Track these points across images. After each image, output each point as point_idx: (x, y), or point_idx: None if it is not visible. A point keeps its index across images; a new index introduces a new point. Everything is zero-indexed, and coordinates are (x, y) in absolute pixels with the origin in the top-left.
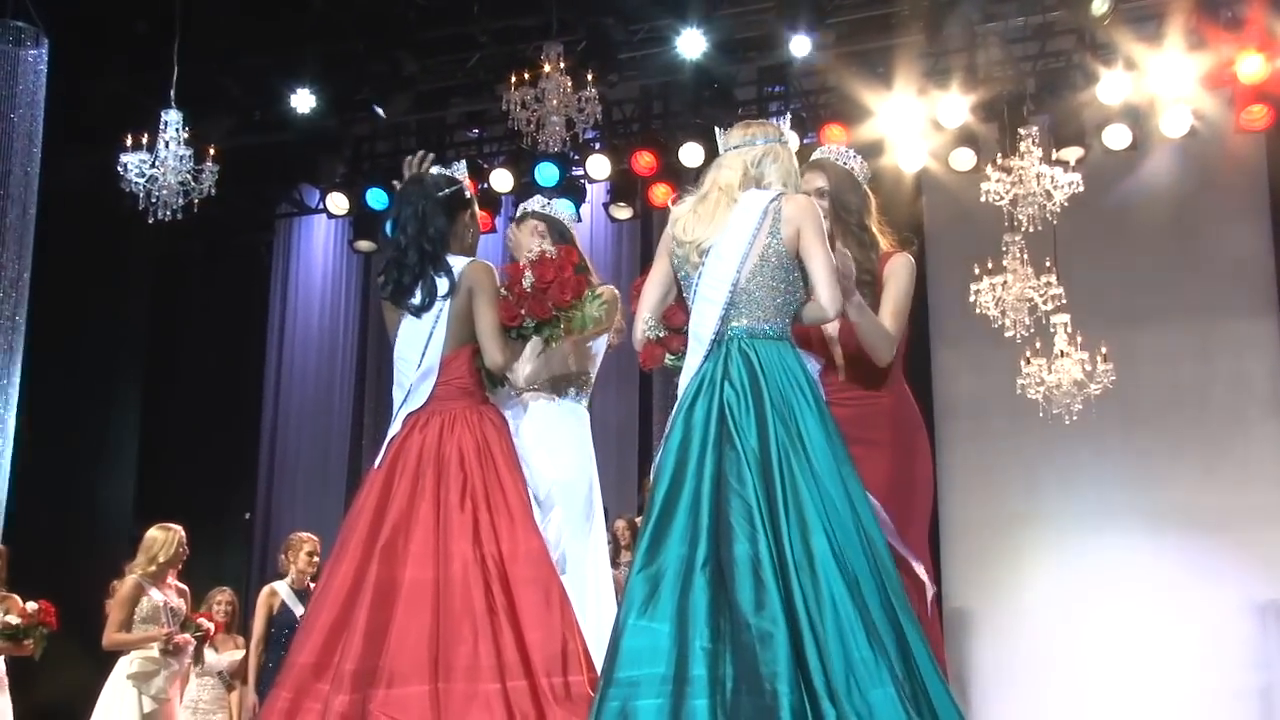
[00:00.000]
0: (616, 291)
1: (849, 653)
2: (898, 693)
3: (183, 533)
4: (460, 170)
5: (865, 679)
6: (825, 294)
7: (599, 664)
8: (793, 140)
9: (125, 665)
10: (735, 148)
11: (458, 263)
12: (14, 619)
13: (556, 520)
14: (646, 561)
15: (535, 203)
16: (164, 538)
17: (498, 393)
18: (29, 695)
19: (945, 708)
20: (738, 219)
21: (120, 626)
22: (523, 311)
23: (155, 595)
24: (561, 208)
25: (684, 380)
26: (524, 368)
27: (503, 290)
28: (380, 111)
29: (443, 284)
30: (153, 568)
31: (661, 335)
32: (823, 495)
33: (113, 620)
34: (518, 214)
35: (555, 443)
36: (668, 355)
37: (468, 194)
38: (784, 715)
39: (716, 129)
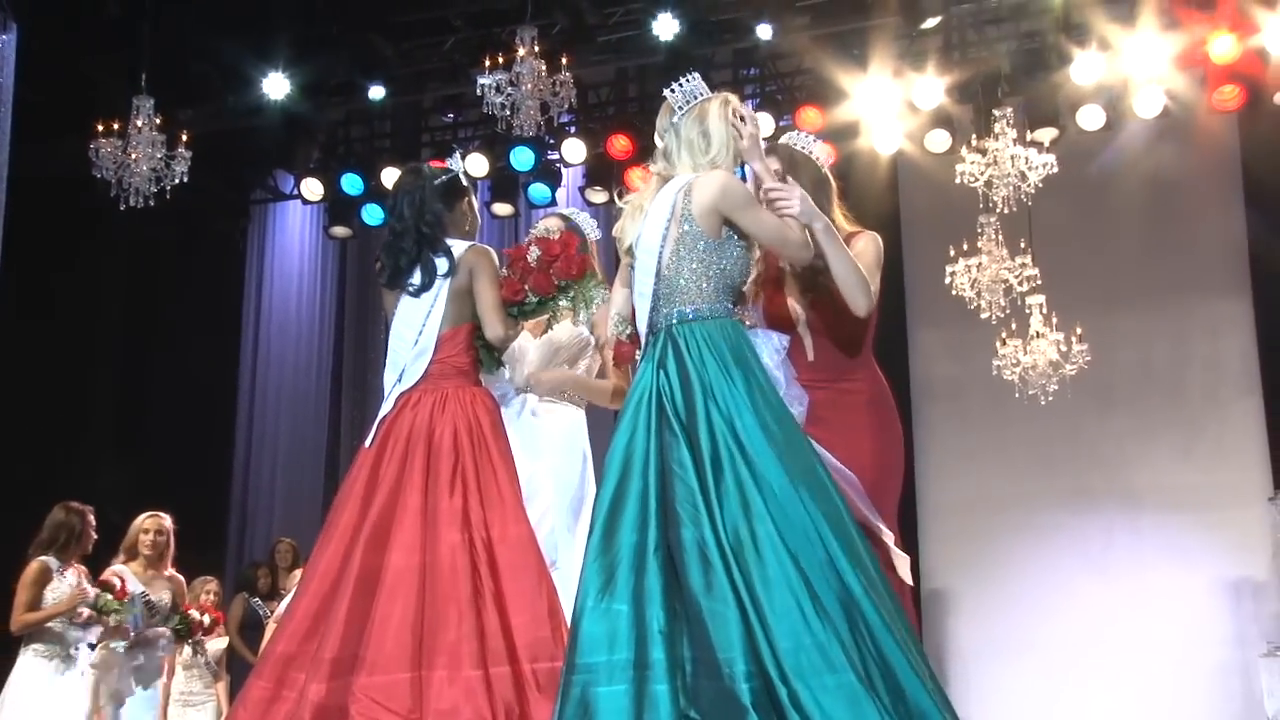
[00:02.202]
0: None
1: (798, 635)
2: (855, 676)
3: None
4: (455, 161)
5: (817, 661)
6: (788, 251)
7: None
8: (767, 124)
9: (86, 657)
10: (653, 160)
11: (457, 246)
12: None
13: (546, 517)
14: (602, 550)
15: (566, 208)
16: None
17: (495, 376)
18: None
19: (910, 683)
20: (652, 213)
21: (28, 607)
22: (526, 287)
23: (69, 577)
24: (590, 221)
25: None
26: (524, 367)
27: (504, 271)
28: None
29: (442, 263)
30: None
31: (630, 333)
32: (757, 477)
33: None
34: (545, 212)
35: (552, 443)
36: (638, 352)
37: (464, 181)
38: (742, 696)
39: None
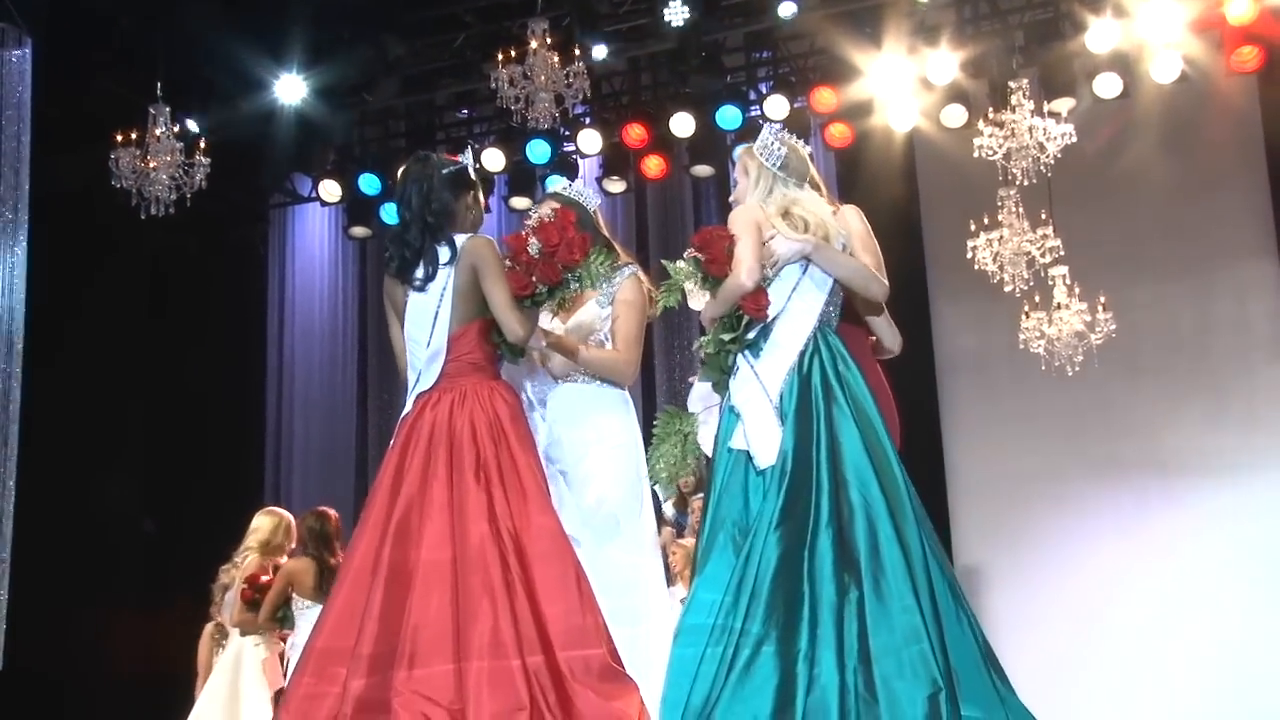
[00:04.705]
0: (643, 276)
1: (939, 568)
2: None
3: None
4: (467, 156)
5: (948, 598)
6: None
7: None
8: (781, 106)
9: (252, 651)
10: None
11: (459, 239)
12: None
13: (592, 482)
14: (782, 519)
15: (559, 184)
16: (272, 522)
17: (520, 368)
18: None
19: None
20: (833, 225)
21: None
22: (534, 279)
23: None
24: (584, 190)
25: (790, 345)
26: (558, 356)
27: (508, 262)
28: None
29: (444, 252)
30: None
31: (771, 286)
32: (896, 460)
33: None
34: (540, 197)
35: (600, 429)
36: (746, 316)
37: (472, 175)
38: (915, 646)
39: (756, 144)
